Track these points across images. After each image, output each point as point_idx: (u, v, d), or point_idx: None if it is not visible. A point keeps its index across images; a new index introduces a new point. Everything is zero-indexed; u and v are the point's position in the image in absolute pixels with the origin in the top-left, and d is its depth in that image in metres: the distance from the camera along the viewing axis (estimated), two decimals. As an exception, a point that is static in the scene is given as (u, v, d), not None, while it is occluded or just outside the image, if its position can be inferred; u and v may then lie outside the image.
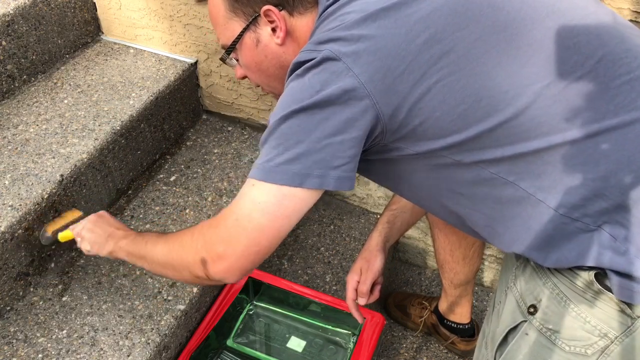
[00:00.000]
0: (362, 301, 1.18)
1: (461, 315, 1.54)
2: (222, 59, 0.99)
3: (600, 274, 0.78)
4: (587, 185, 0.76)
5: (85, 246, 1.11)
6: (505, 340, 0.91)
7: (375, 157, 0.85)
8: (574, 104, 0.76)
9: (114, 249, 1.04)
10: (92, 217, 1.13)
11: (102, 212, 1.14)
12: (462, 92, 0.76)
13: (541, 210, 0.79)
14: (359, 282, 1.18)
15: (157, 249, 0.93)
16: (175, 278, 0.94)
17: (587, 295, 0.79)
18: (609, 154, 0.75)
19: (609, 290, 0.78)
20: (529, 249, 0.83)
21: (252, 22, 0.91)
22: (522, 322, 0.88)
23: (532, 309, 0.85)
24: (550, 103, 0.76)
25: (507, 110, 0.76)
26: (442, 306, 1.56)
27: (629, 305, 0.77)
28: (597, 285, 0.78)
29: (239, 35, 0.93)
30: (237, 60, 0.99)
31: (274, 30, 0.92)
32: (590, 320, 0.80)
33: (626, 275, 0.76)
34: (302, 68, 0.79)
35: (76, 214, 1.26)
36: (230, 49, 0.96)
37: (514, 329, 0.89)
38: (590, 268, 0.79)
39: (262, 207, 0.79)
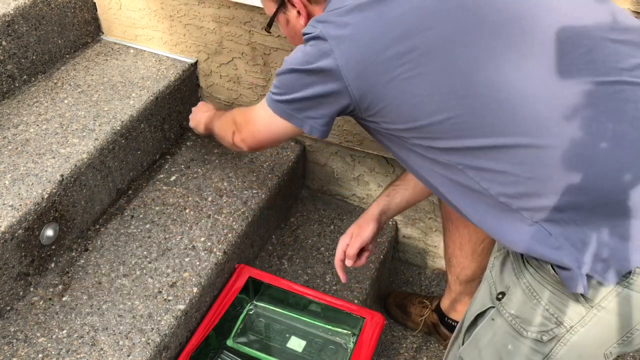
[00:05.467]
0: (348, 263, 1.24)
1: (462, 314, 1.54)
2: (266, 30, 1.16)
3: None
4: (524, 183, 0.81)
5: (190, 120, 1.57)
6: (474, 323, 0.98)
7: (364, 122, 0.99)
8: (517, 111, 0.80)
9: (202, 128, 1.51)
10: (199, 103, 1.61)
11: (201, 104, 1.59)
12: (418, 86, 0.85)
13: (486, 196, 0.86)
14: (348, 245, 1.24)
15: (216, 126, 1.37)
16: (224, 143, 1.34)
17: (546, 283, 0.84)
18: (544, 160, 0.79)
19: None
20: (484, 228, 0.91)
21: (282, 6, 1.08)
22: (490, 307, 0.94)
23: (501, 296, 0.91)
24: (496, 107, 0.81)
25: (456, 108, 0.83)
26: (445, 303, 1.56)
27: (583, 295, 0.81)
28: (553, 274, 0.82)
29: (273, 15, 1.11)
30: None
31: (298, 13, 1.06)
32: (549, 308, 0.85)
33: (563, 268, 0.80)
34: (304, 38, 0.96)
35: None
36: (270, 25, 1.14)
37: (482, 314, 0.96)
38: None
39: (262, 120, 1.10)
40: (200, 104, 1.60)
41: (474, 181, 0.86)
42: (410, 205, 1.29)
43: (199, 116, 1.53)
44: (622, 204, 0.77)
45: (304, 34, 0.96)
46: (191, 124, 1.57)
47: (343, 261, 1.25)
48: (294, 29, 1.10)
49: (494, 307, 0.93)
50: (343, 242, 1.25)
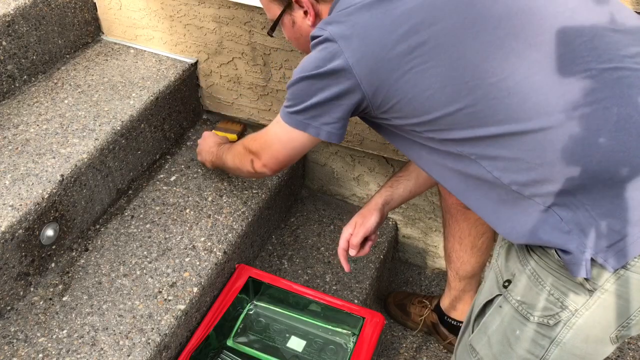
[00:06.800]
0: (352, 252, 1.25)
1: (462, 313, 1.54)
2: (269, 34, 1.16)
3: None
4: (535, 169, 0.83)
5: (198, 155, 1.59)
6: (483, 311, 1.01)
7: (376, 120, 1.00)
8: (526, 98, 0.82)
9: (209, 166, 1.54)
10: (204, 135, 1.58)
11: (207, 134, 1.57)
12: (430, 79, 0.87)
13: (498, 185, 0.88)
14: (352, 235, 1.25)
15: (228, 160, 1.37)
16: (242, 174, 1.37)
17: (550, 269, 0.86)
18: (553, 144, 0.82)
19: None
20: (493, 221, 0.92)
21: (288, 7, 1.08)
22: (497, 295, 0.96)
23: (507, 284, 0.93)
24: (506, 95, 0.83)
25: (467, 98, 0.85)
26: (445, 302, 1.56)
27: (587, 279, 0.83)
28: (558, 259, 0.84)
29: (278, 17, 1.11)
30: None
31: (305, 13, 1.07)
32: (554, 292, 0.87)
33: (567, 252, 0.82)
34: (313, 42, 0.98)
35: (238, 126, 1.70)
36: (273, 28, 1.15)
37: (490, 302, 0.98)
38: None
39: (279, 138, 1.11)
40: (204, 134, 1.57)
41: (487, 171, 0.87)
42: (413, 195, 1.31)
43: (204, 156, 1.54)
44: (628, 187, 0.78)
45: (313, 37, 0.97)
46: (198, 157, 1.59)
47: (346, 250, 1.26)
48: (299, 30, 1.11)
49: (501, 294, 0.95)
50: (347, 231, 1.26)
